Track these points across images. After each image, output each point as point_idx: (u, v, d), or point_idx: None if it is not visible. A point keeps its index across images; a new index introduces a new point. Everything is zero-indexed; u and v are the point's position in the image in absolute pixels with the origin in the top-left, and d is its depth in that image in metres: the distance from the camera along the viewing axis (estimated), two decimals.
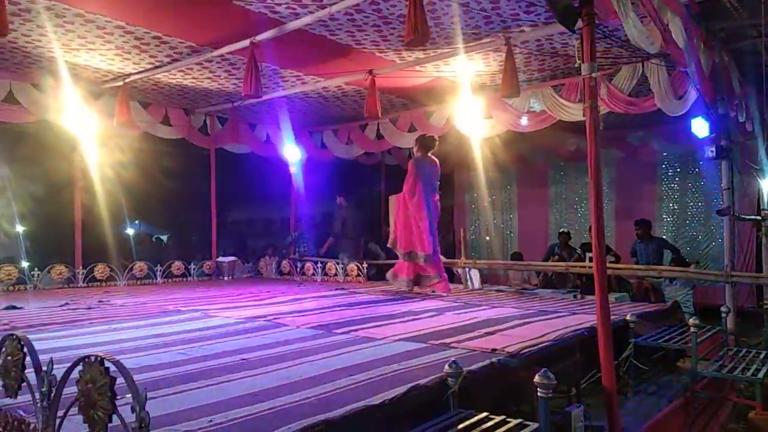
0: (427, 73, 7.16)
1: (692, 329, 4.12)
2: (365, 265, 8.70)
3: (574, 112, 6.86)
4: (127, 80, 7.03)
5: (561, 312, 4.93)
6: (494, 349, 3.13)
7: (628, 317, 4.25)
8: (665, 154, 9.92)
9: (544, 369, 2.27)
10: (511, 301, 6.01)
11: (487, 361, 2.88)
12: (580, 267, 7.58)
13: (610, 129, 7.92)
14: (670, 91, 6.11)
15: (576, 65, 3.29)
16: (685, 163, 9.70)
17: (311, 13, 5.22)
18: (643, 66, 6.31)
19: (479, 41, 6.01)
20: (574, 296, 6.60)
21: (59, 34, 5.66)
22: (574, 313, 4.82)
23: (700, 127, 6.20)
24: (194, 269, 8.87)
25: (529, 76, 7.31)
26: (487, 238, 12.00)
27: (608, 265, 5.99)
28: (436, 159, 6.98)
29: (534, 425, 2.27)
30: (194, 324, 4.37)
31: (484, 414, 2.38)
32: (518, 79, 6.09)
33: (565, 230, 9.44)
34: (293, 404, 2.24)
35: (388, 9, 5.19)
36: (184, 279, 8.72)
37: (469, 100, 7.54)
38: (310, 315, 4.81)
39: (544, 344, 3.37)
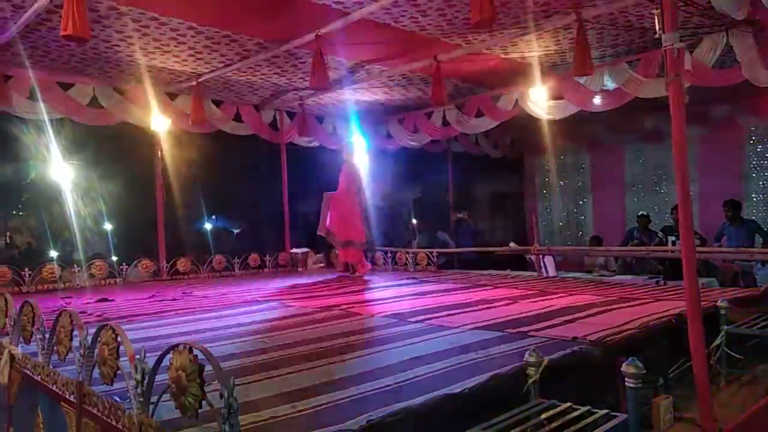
0: (493, 56, 7.00)
1: None
2: (435, 254, 8.66)
3: (651, 88, 6.52)
4: (200, 80, 7.29)
5: (644, 299, 4.71)
6: (575, 338, 3.03)
7: (718, 303, 3.99)
8: (753, 128, 9.26)
9: (631, 357, 2.17)
10: (588, 288, 5.80)
11: (568, 350, 2.78)
12: (662, 251, 7.23)
13: (691, 104, 7.47)
14: (759, 60, 5.67)
15: (656, 36, 3.10)
16: None
17: (375, 1, 5.20)
18: (727, 35, 5.89)
19: (548, 19, 5.80)
20: (657, 282, 6.29)
21: (136, 38, 5.92)
22: (659, 300, 4.60)
23: None
24: (269, 261, 9.14)
25: (602, 53, 6.99)
26: (560, 223, 11.66)
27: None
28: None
29: (622, 416, 2.17)
30: (272, 313, 4.49)
31: (568, 404, 2.30)
32: (591, 56, 5.84)
33: (645, 213, 9.01)
34: (372, 392, 2.25)
35: None
36: (260, 270, 9.00)
37: (539, 81, 7.32)
38: (383, 304, 4.83)
39: (628, 332, 3.22)
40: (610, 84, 7.09)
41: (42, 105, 6.76)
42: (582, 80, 7.04)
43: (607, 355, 2.90)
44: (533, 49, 6.70)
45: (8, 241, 13.64)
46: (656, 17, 3.03)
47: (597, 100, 7.20)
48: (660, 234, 8.51)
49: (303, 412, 2.03)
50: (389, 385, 2.33)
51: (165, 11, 5.33)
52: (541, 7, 5.53)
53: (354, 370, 2.60)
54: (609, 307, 4.26)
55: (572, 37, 5.93)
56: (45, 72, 6.78)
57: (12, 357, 2.97)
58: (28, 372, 2.79)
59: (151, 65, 6.81)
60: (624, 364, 2.20)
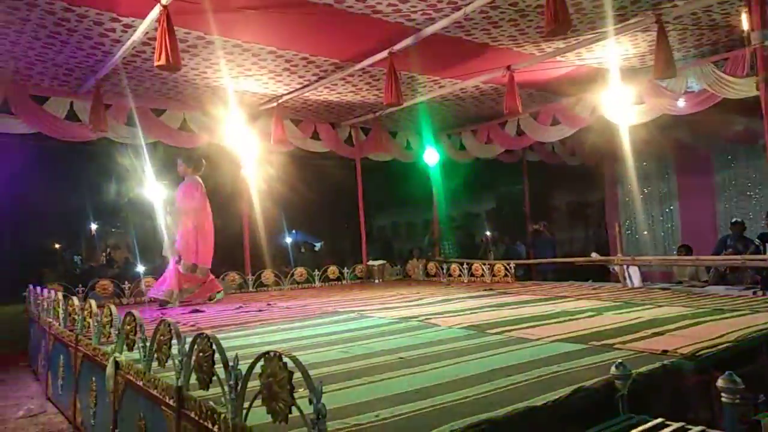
0: (568, 63, 6.86)
1: None
2: (512, 266, 8.52)
3: (740, 88, 6.15)
4: (280, 101, 7.62)
5: (740, 310, 4.42)
6: (665, 351, 2.90)
7: None
8: None
9: (728, 372, 2.06)
10: (678, 299, 5.52)
11: (658, 364, 2.67)
12: (760, 260, 6.76)
13: None
14: None
15: (744, 34, 2.96)
16: None
17: (446, 16, 5.25)
18: None
19: (626, 22, 5.63)
20: (754, 293, 5.89)
21: (222, 64, 6.28)
22: (757, 312, 4.30)
23: None
24: (347, 273, 9.35)
25: (685, 54, 6.70)
26: (645, 232, 11.16)
27: None
28: None
29: None
30: (352, 324, 4.58)
31: (659, 420, 2.21)
32: (673, 57, 5.61)
33: (739, 220, 8.47)
34: (453, 402, 2.26)
35: (524, 1, 5.06)
36: (339, 282, 9.22)
37: (617, 86, 7.09)
38: (461, 315, 4.81)
39: (723, 345, 3.05)
40: (695, 86, 6.77)
41: (137, 130, 7.29)
42: (664, 83, 6.76)
43: (700, 370, 2.76)
44: (610, 53, 6.52)
45: (109, 256, 14.76)
46: (744, 14, 2.91)
47: (681, 102, 6.89)
48: (756, 242, 7.97)
49: (386, 420, 2.07)
50: (469, 397, 2.33)
51: (248, 38, 5.63)
52: (618, 11, 5.38)
53: (434, 380, 2.62)
54: (701, 319, 4.03)
55: (652, 39, 5.73)
56: (140, 100, 7.32)
57: (117, 364, 3.20)
58: (132, 378, 2.98)
59: (235, 89, 7.20)
60: (720, 379, 2.09)
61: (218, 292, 7.06)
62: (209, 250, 6.88)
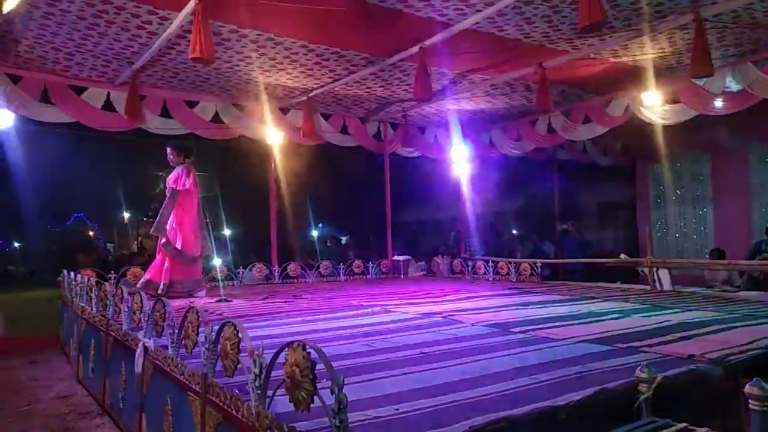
0: (602, 60, 6.75)
1: None
2: (539, 265, 8.43)
3: None
4: (310, 95, 7.67)
5: None
6: (692, 355, 2.85)
7: None
8: None
9: (756, 379, 2.02)
10: (708, 303, 5.40)
11: (684, 368, 2.63)
12: None
13: None
14: None
15: None
16: None
17: (479, 11, 5.22)
18: None
19: (663, 19, 5.51)
20: None
21: (254, 58, 6.36)
22: None
23: None
24: (372, 268, 9.39)
25: (724, 53, 6.52)
26: (677, 234, 10.93)
27: None
28: None
29: None
30: (376, 318, 4.61)
31: (683, 425, 2.18)
32: (711, 56, 5.47)
33: None
34: (474, 399, 2.26)
35: None
36: (364, 276, 9.26)
37: (653, 85, 6.95)
38: (485, 313, 4.79)
39: (754, 352, 2.98)
40: (733, 86, 6.60)
41: (171, 121, 7.42)
42: (701, 82, 6.61)
43: (728, 376, 2.70)
44: (646, 51, 6.39)
45: (139, 245, 15.10)
46: None
47: (718, 102, 6.72)
48: None
49: (406, 414, 2.09)
50: (490, 394, 2.33)
51: (280, 32, 5.69)
52: (655, 8, 5.27)
53: (455, 376, 2.62)
54: (732, 325, 3.94)
55: (690, 37, 5.60)
56: (173, 91, 7.45)
57: (146, 349, 3.28)
58: (159, 363, 3.05)
59: (266, 82, 7.28)
60: (748, 386, 2.05)
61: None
62: (195, 237, 6.67)
